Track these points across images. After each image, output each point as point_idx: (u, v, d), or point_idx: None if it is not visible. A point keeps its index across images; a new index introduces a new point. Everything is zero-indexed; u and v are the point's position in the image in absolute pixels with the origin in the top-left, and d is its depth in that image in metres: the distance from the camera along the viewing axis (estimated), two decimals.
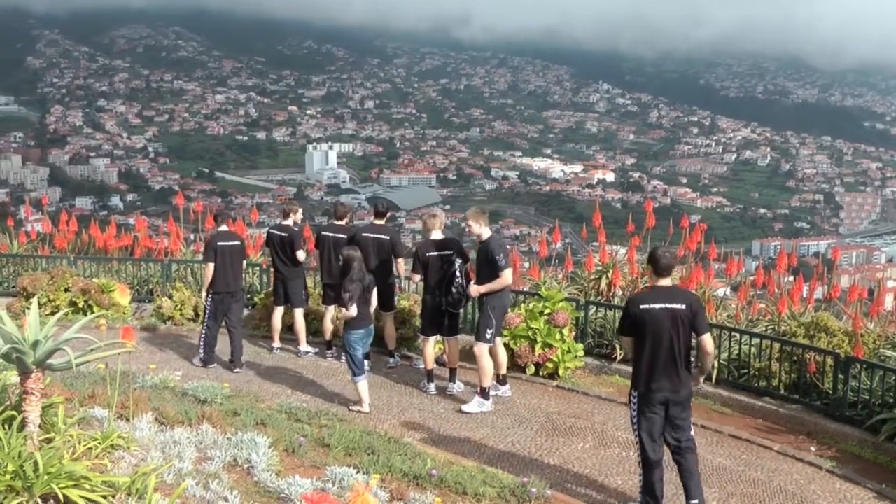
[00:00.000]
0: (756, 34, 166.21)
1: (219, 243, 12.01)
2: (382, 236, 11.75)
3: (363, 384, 10.09)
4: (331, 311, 12.43)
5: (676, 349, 7.31)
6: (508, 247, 11.83)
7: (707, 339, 7.50)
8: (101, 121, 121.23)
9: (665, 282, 7.54)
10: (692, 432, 7.53)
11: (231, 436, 6.78)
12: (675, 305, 7.32)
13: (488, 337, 10.23)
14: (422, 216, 11.40)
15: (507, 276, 10.23)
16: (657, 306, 7.31)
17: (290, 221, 12.72)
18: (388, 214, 12.36)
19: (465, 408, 10.23)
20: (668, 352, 7.30)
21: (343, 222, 12.52)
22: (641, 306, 7.35)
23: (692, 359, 7.59)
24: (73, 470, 5.14)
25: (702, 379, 7.85)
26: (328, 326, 12.49)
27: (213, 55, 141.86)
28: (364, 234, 11.77)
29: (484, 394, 10.30)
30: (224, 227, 12.55)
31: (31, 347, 5.35)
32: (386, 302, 11.83)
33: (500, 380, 10.84)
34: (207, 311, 12.10)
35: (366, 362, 10.44)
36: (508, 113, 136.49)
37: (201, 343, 12.12)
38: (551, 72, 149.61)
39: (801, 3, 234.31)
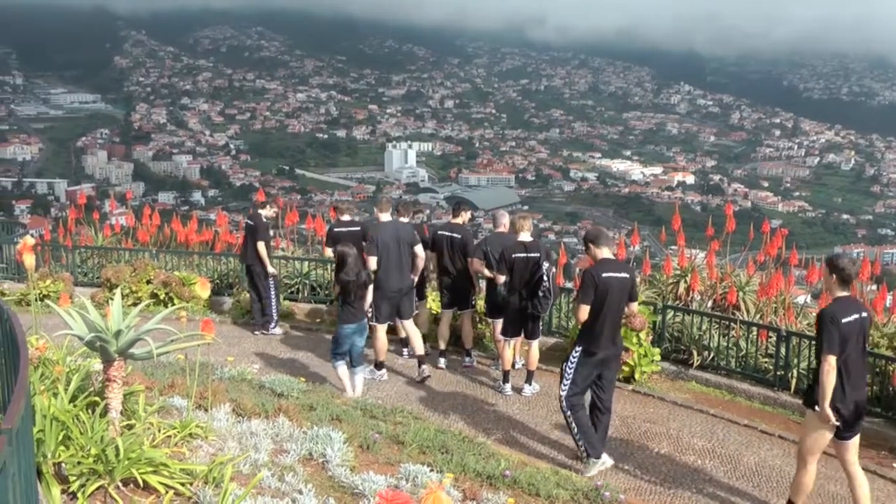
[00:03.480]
0: (838, 33, 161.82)
1: (244, 222, 14.36)
2: (455, 235, 11.79)
3: (342, 369, 10.26)
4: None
5: (620, 313, 8.43)
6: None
7: (635, 307, 8.84)
8: (185, 119, 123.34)
9: (607, 253, 8.41)
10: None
11: (307, 430, 6.83)
12: (623, 275, 8.33)
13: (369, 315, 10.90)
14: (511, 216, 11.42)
15: (368, 261, 11.01)
16: (615, 275, 8.23)
17: (406, 219, 12.36)
18: (466, 214, 12.36)
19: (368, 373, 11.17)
20: (616, 316, 8.36)
21: (406, 220, 12.28)
22: (604, 275, 8.17)
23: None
24: (152, 456, 5.25)
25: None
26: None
27: (294, 54, 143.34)
28: (439, 233, 11.89)
29: (378, 365, 11.38)
30: (258, 211, 13.85)
31: (113, 336, 5.46)
32: (463, 300, 11.88)
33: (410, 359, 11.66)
34: None
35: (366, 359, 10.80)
36: (588, 114, 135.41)
37: None
38: (632, 73, 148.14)
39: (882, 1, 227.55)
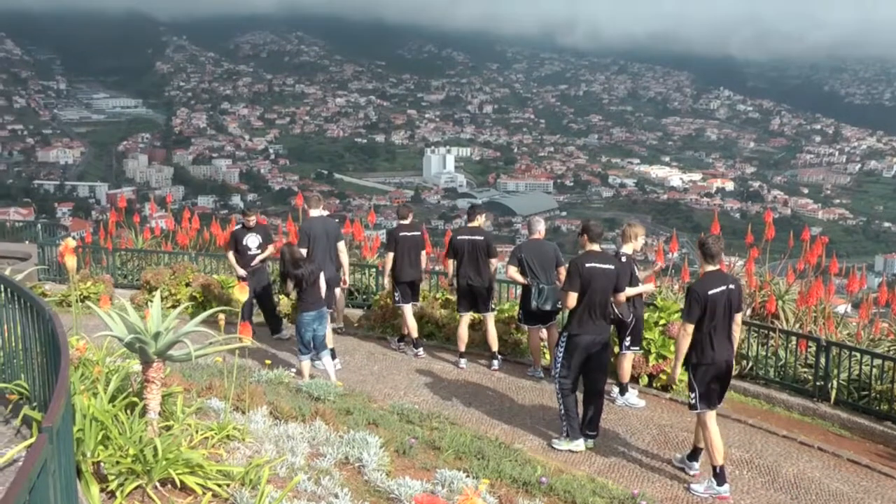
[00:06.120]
0: (877, 36, 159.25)
1: None
2: (477, 238, 11.83)
3: (306, 363, 10.68)
4: (409, 309, 12.70)
5: (604, 302, 8.91)
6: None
7: (622, 296, 9.32)
8: (225, 123, 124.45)
9: (596, 247, 9.09)
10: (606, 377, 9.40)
11: (343, 434, 6.85)
12: (607, 266, 8.94)
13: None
14: (623, 224, 11.12)
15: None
16: (598, 265, 8.87)
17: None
18: (482, 216, 12.45)
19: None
20: (599, 304, 8.87)
21: (407, 221, 12.71)
22: (587, 265, 8.84)
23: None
24: (190, 457, 5.28)
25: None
26: (411, 323, 12.75)
27: (334, 59, 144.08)
28: (459, 238, 11.93)
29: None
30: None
31: (152, 338, 5.51)
32: (484, 303, 11.90)
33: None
34: None
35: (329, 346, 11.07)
36: (627, 120, 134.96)
37: None
38: (671, 78, 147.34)
39: None
